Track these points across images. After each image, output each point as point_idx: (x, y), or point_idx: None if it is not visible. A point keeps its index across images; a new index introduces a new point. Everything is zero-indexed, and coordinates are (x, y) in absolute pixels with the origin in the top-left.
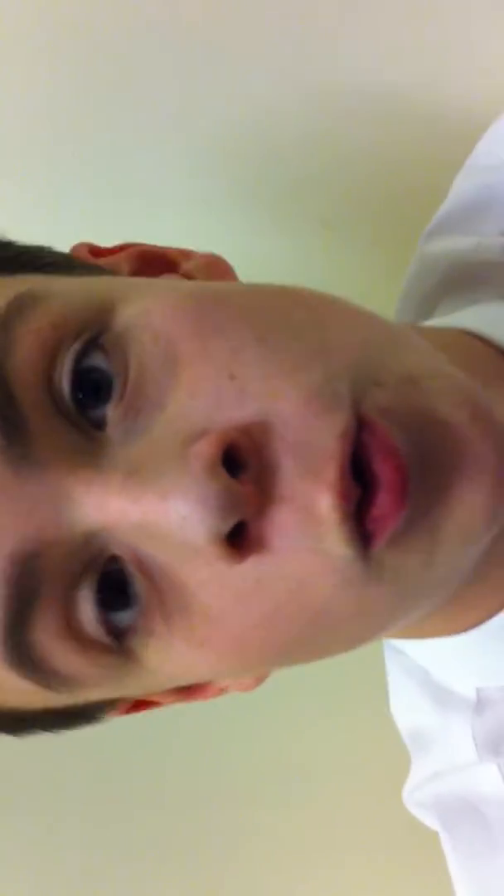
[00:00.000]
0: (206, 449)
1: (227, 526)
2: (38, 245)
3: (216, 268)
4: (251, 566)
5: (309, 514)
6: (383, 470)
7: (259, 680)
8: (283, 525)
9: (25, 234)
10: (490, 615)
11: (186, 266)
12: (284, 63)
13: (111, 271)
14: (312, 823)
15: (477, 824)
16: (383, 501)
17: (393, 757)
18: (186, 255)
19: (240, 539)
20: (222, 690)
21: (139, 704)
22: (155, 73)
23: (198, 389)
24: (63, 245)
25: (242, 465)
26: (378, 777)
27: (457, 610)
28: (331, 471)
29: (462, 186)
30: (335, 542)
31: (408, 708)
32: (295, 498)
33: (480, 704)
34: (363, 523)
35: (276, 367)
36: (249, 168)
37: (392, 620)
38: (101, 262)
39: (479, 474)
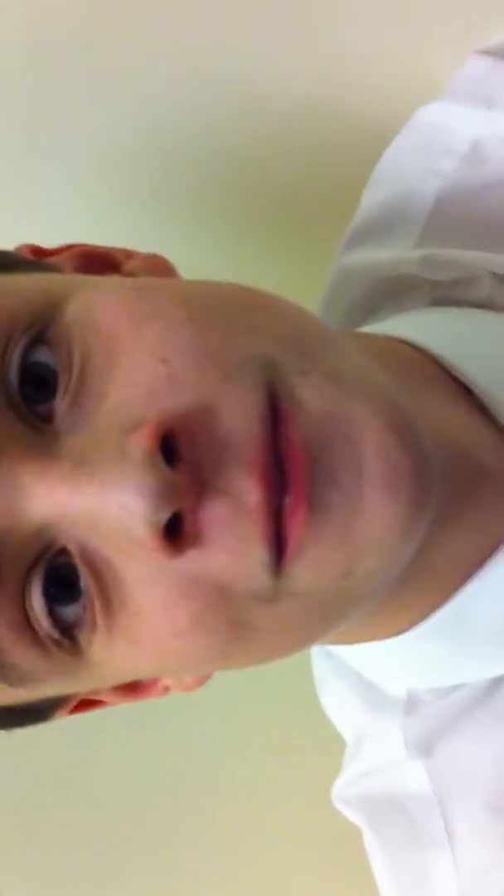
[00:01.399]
0: (142, 439)
1: (162, 516)
2: None
3: (159, 267)
4: (184, 563)
5: (239, 506)
6: (289, 469)
7: (201, 681)
8: (215, 517)
9: None
10: (419, 620)
11: (129, 266)
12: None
13: (55, 270)
14: (244, 822)
15: (403, 821)
16: (286, 508)
17: (326, 753)
18: (129, 254)
19: (177, 532)
20: (166, 690)
21: (85, 703)
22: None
23: (132, 378)
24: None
25: (179, 454)
26: (311, 774)
27: (386, 615)
28: (254, 460)
29: (372, 198)
30: (257, 541)
31: (339, 708)
32: (226, 489)
33: (411, 705)
34: (282, 528)
35: (204, 345)
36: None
37: (313, 634)
38: (45, 261)
39: (395, 485)
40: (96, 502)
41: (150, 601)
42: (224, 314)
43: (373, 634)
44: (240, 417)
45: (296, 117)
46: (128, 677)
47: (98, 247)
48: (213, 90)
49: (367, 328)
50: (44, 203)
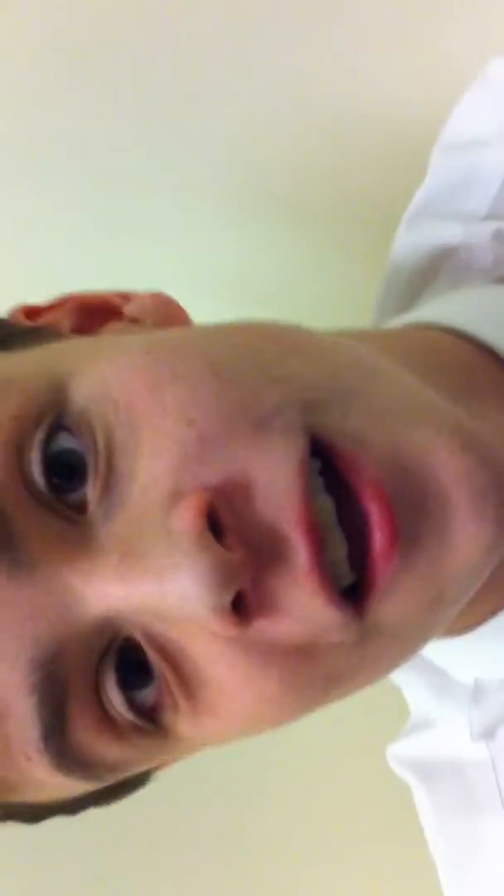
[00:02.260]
0: (187, 521)
1: (226, 599)
2: None
3: (163, 307)
4: (256, 634)
5: (292, 571)
6: (371, 511)
7: None
8: (275, 587)
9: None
10: (490, 616)
11: (130, 309)
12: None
13: (54, 334)
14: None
15: (458, 783)
16: (375, 548)
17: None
18: (127, 297)
19: (242, 607)
20: None
21: None
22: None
23: (160, 448)
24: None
25: (224, 525)
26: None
27: (459, 615)
28: (299, 517)
29: (438, 167)
30: (322, 605)
31: (406, 685)
32: (277, 553)
33: (478, 692)
34: (365, 570)
35: (232, 400)
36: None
37: (404, 659)
38: (41, 321)
39: (482, 507)
40: (154, 595)
41: (232, 679)
42: (248, 365)
43: (444, 632)
44: (277, 472)
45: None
46: (224, 741)
47: (93, 294)
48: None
49: (416, 312)
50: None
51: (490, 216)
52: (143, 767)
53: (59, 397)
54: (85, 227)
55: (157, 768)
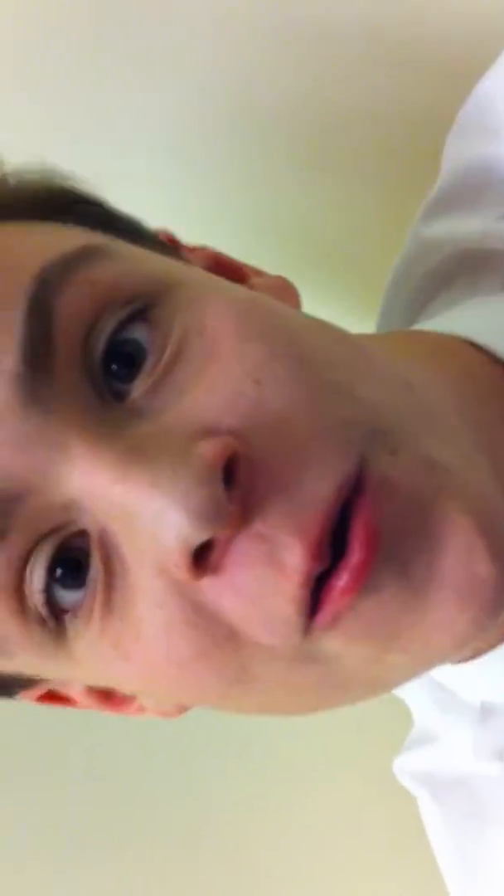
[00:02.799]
0: (211, 450)
1: (197, 537)
2: (126, 213)
3: (283, 290)
4: (199, 592)
5: (274, 561)
6: (358, 542)
7: (181, 711)
8: (244, 559)
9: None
10: (496, 642)
11: (255, 281)
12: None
13: (183, 257)
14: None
15: (467, 796)
16: (344, 577)
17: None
18: (258, 273)
19: (202, 560)
20: (141, 710)
21: (54, 697)
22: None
23: (220, 385)
24: None
25: (236, 480)
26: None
27: None
28: (313, 526)
29: (458, 153)
30: (285, 600)
31: (409, 698)
32: (268, 537)
33: (484, 714)
34: (323, 592)
35: (304, 389)
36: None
37: (327, 703)
38: (176, 250)
39: (469, 597)
40: (136, 499)
41: (152, 619)
42: (329, 367)
43: (452, 660)
44: (319, 477)
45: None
46: (106, 683)
47: (230, 257)
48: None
49: (434, 322)
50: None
51: None
52: (24, 666)
53: (158, 293)
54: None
55: (27, 685)
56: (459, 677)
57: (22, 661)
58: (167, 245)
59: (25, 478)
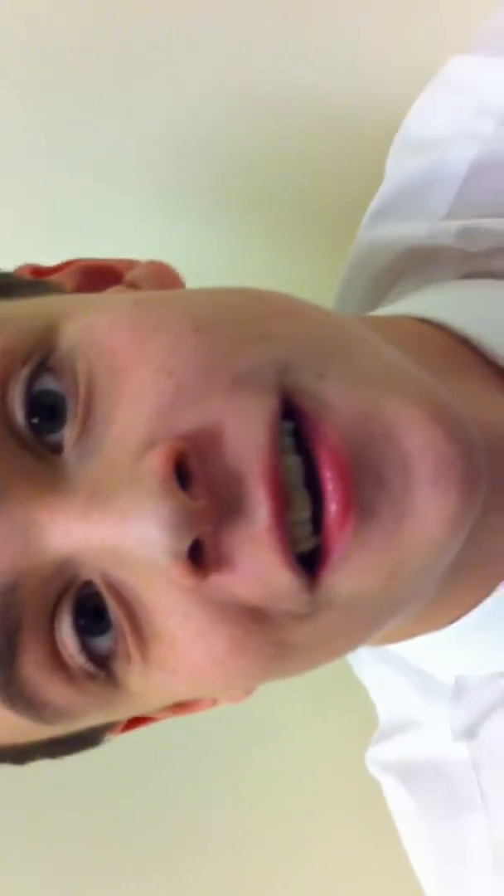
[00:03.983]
0: (155, 465)
1: (183, 544)
2: None
3: (162, 275)
4: (212, 589)
5: (249, 529)
6: (326, 478)
7: (248, 692)
8: (233, 541)
9: None
10: (465, 611)
11: (131, 276)
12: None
13: (56, 289)
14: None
15: (441, 784)
16: (328, 518)
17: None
18: (130, 264)
19: (200, 559)
20: (214, 703)
21: (135, 721)
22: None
23: (138, 396)
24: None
25: (192, 475)
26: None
27: (432, 610)
28: (260, 473)
29: (400, 166)
30: (278, 567)
31: (382, 690)
32: (239, 508)
33: (458, 691)
34: (323, 538)
35: (211, 355)
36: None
37: (358, 640)
38: (46, 281)
39: (446, 480)
40: (114, 535)
41: (184, 632)
42: (231, 323)
43: (418, 629)
44: (247, 427)
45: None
46: (171, 701)
47: (98, 260)
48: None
49: (389, 308)
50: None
51: (451, 215)
52: (94, 719)
53: (48, 339)
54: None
55: (108, 729)
56: (433, 653)
57: (91, 718)
58: (33, 281)
59: (12, 567)
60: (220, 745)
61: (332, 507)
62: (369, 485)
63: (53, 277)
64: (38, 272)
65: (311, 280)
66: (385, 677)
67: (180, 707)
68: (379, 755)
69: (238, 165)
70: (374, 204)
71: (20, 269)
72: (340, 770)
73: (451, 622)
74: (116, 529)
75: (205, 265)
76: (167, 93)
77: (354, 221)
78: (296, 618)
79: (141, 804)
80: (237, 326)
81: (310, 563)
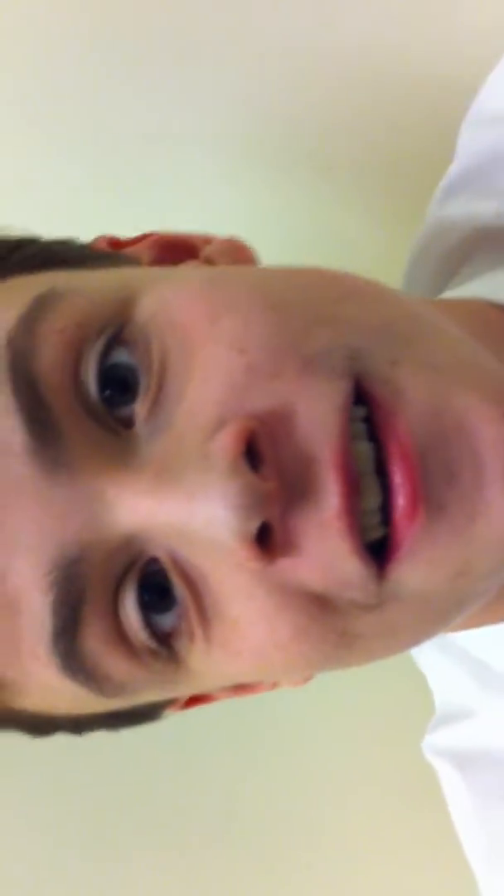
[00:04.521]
0: (226, 444)
1: (251, 525)
2: (61, 239)
3: (237, 252)
4: (279, 573)
5: (320, 515)
6: (395, 471)
7: (308, 677)
8: (302, 526)
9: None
10: None
11: (207, 251)
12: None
13: (132, 261)
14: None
15: (497, 774)
16: (396, 511)
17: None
18: (207, 240)
19: (267, 541)
20: (275, 685)
21: (195, 699)
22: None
23: (210, 374)
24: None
25: (263, 456)
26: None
27: (496, 601)
28: (330, 458)
29: (471, 142)
30: (347, 554)
31: (441, 679)
32: (309, 493)
33: None
34: (391, 530)
35: (283, 335)
36: (255, 136)
37: (424, 635)
38: (123, 253)
39: None
40: (182, 514)
41: (248, 614)
42: (305, 303)
43: (480, 620)
44: (319, 411)
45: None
46: (232, 682)
47: (176, 234)
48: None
49: (459, 290)
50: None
51: None
52: (153, 695)
53: (123, 312)
54: (91, 185)
55: (167, 705)
56: (493, 644)
57: (150, 694)
58: (110, 253)
59: (77, 539)
60: (275, 727)
61: (400, 500)
62: (439, 480)
63: (130, 250)
64: (115, 244)
65: (380, 254)
66: (443, 665)
67: (241, 688)
68: (435, 742)
69: (309, 131)
70: (444, 181)
71: (97, 240)
72: (397, 757)
73: None
74: (184, 508)
75: (270, 234)
76: (233, 56)
77: (426, 198)
78: (362, 608)
79: (186, 785)
80: (309, 307)
81: (378, 553)
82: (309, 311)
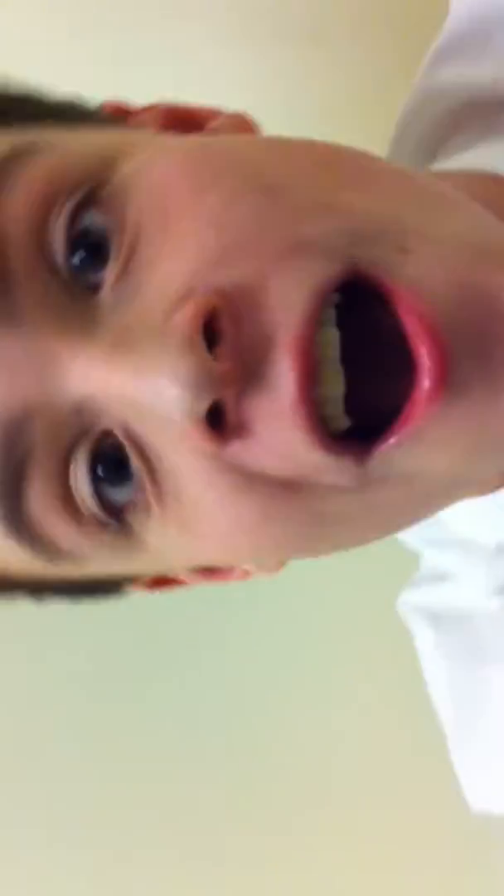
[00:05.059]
0: (184, 320)
1: (199, 405)
2: (66, 98)
3: (242, 127)
4: (236, 456)
5: (277, 401)
6: (420, 352)
7: (281, 564)
8: (256, 411)
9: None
10: None
11: (214, 125)
12: None
13: (128, 126)
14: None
15: (469, 633)
16: (418, 392)
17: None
18: (214, 114)
19: (221, 424)
20: (246, 574)
21: (161, 581)
22: None
23: (183, 248)
24: None
25: (223, 336)
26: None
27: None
28: (292, 341)
29: (462, 2)
30: (300, 444)
31: (425, 544)
32: (263, 379)
33: (499, 552)
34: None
35: (272, 219)
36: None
37: (414, 517)
38: (123, 119)
39: None
40: (131, 388)
41: (209, 499)
42: (301, 188)
43: (466, 494)
44: (290, 292)
45: None
46: (196, 563)
47: (185, 105)
48: None
49: (449, 162)
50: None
51: None
52: (107, 567)
53: (102, 172)
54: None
55: (130, 581)
56: (480, 518)
57: (103, 566)
58: (114, 117)
59: (24, 398)
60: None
61: (426, 383)
62: (466, 360)
63: (136, 119)
64: (122, 111)
65: (371, 119)
66: (429, 532)
67: (210, 573)
68: (412, 598)
69: None
70: (437, 43)
71: (104, 105)
72: (372, 615)
73: (498, 488)
74: (134, 382)
75: (263, 100)
76: None
77: (416, 60)
78: (341, 491)
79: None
80: (307, 192)
81: (355, 436)
82: (306, 196)
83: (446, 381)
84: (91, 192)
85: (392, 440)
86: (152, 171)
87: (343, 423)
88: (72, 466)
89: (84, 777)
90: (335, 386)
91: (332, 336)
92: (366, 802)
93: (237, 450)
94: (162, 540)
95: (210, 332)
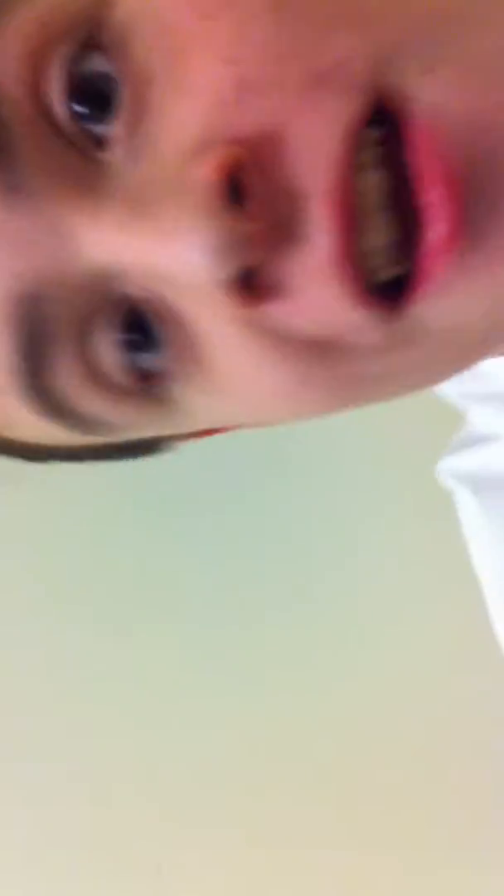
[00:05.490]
0: (204, 177)
1: (229, 270)
2: None
3: None
4: (270, 320)
5: (313, 259)
6: (432, 193)
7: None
8: (296, 270)
9: None
10: None
11: None
12: None
13: None
14: None
15: None
16: (431, 238)
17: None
18: None
19: (254, 285)
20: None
21: (208, 431)
22: None
23: (196, 86)
24: None
25: (248, 190)
26: None
27: None
28: (327, 190)
29: None
30: (339, 301)
31: (470, 402)
32: (298, 234)
33: None
34: (420, 261)
35: (287, 40)
36: None
37: (454, 369)
38: None
39: None
40: (153, 255)
41: (245, 365)
42: (318, 3)
43: None
44: (319, 133)
45: None
46: (233, 423)
47: None
48: None
49: None
50: None
51: None
52: (139, 433)
53: (100, 10)
54: None
55: (171, 438)
56: None
57: (141, 431)
58: None
59: (37, 272)
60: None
61: (440, 226)
62: (482, 204)
63: None
64: None
65: None
66: (473, 387)
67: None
68: (454, 464)
69: None
70: None
71: None
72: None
73: None
74: (155, 249)
75: None
76: None
77: None
78: (374, 350)
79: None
80: (324, 8)
81: (391, 288)
82: (325, 9)
83: (463, 225)
84: (90, 33)
85: (416, 296)
86: (156, 2)
87: (390, 271)
88: (95, 337)
89: None
90: (380, 235)
91: (373, 180)
92: None
93: (271, 312)
94: (203, 405)
95: (233, 187)
